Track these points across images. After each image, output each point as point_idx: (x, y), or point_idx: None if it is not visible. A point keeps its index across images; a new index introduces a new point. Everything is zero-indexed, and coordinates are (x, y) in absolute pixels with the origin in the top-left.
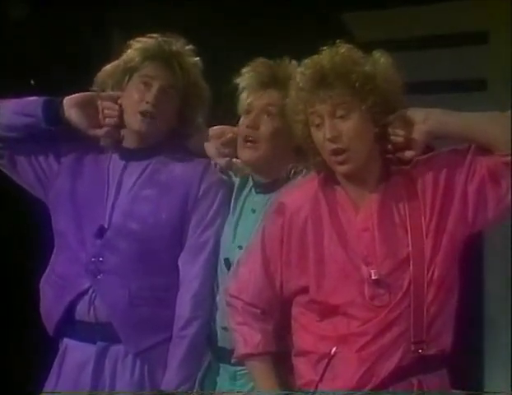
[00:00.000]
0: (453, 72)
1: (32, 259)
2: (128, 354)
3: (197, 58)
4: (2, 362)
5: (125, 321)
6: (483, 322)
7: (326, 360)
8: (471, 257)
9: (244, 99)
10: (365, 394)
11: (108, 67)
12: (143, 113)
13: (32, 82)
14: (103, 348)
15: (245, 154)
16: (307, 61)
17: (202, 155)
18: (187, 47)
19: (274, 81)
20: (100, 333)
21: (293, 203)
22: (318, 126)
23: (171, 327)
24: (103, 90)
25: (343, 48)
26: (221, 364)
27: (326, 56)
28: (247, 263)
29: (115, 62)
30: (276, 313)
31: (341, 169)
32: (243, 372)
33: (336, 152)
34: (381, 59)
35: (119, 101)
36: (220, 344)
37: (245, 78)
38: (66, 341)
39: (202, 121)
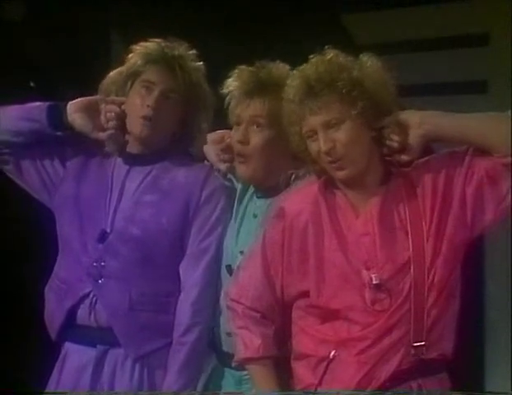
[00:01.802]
0: (453, 74)
1: (36, 263)
2: (127, 358)
3: (201, 63)
4: (3, 366)
5: (125, 326)
6: (484, 325)
7: (325, 364)
8: (471, 261)
9: (233, 109)
10: (367, 393)
11: (112, 74)
12: (144, 118)
13: (32, 84)
14: (102, 352)
15: (240, 170)
16: (295, 72)
17: (205, 160)
18: (190, 51)
19: (259, 89)
20: (101, 337)
21: (293, 208)
22: (312, 138)
23: (171, 332)
24: (108, 94)
25: (330, 54)
26: (226, 369)
27: (312, 66)
28: (247, 268)
29: (119, 69)
30: (277, 317)
31: (340, 174)
32: (248, 376)
33: (333, 161)
34: (368, 62)
35: (123, 107)
36: (224, 349)
37: (231, 88)
38: (67, 345)
39: (206, 126)
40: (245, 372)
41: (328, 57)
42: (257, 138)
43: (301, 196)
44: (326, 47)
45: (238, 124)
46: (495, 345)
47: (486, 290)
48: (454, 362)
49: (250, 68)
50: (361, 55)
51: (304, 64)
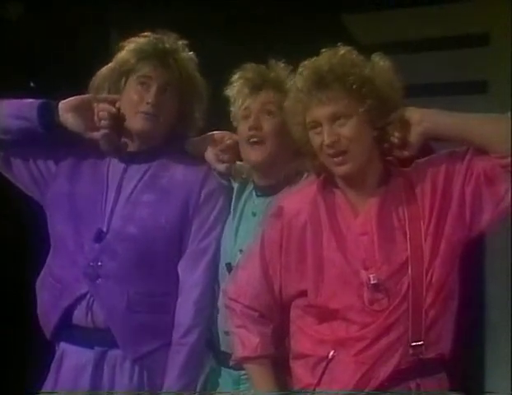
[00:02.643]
0: (453, 74)
1: (32, 261)
2: (126, 359)
3: (191, 53)
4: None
5: (123, 326)
6: (484, 325)
7: (324, 364)
8: (471, 261)
9: (239, 106)
10: (365, 394)
11: (103, 71)
12: (145, 113)
13: (32, 84)
14: (101, 353)
15: (253, 155)
16: (306, 62)
17: (201, 158)
18: (180, 42)
19: (266, 83)
20: (98, 338)
21: (292, 207)
22: (315, 129)
23: (170, 333)
24: (100, 93)
25: (343, 50)
26: (224, 369)
27: (324, 58)
28: (246, 267)
29: (110, 65)
30: (275, 316)
31: (340, 170)
32: (246, 376)
33: (335, 155)
34: (380, 62)
35: (117, 105)
36: (223, 349)
37: (236, 86)
38: (63, 345)
39: (199, 116)
40: (243, 371)
41: (342, 52)
42: (269, 124)
43: (300, 195)
44: (339, 43)
45: (246, 117)
46: (496, 345)
47: (487, 289)
48: (454, 362)
49: (254, 65)
50: (373, 55)
51: (316, 57)
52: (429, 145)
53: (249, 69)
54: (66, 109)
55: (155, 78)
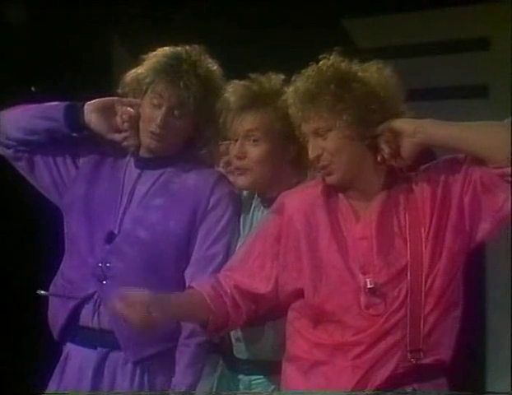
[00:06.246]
0: (454, 78)
1: (39, 262)
2: (127, 361)
3: (215, 66)
4: (6, 366)
5: (126, 328)
6: (485, 326)
7: (320, 367)
8: (472, 266)
9: (229, 124)
10: (361, 394)
11: (132, 73)
12: (152, 134)
13: (33, 89)
14: (103, 354)
15: (238, 182)
16: (294, 78)
17: (216, 166)
18: (203, 56)
19: (252, 102)
20: (102, 339)
21: (294, 205)
22: (307, 142)
23: (173, 337)
24: (126, 93)
25: (331, 60)
26: (235, 374)
27: (303, 77)
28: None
29: (137, 70)
30: (264, 311)
31: (328, 179)
32: (258, 381)
33: (320, 168)
34: (374, 67)
35: (139, 109)
36: (235, 354)
37: (226, 102)
38: (69, 345)
39: (220, 127)
40: (255, 376)
41: (325, 66)
42: (253, 153)
43: (303, 195)
44: (335, 48)
45: (235, 140)
46: (497, 351)
47: (488, 291)
48: (455, 365)
49: (243, 82)
50: (373, 62)
51: (303, 71)
52: (431, 151)
53: (239, 86)
54: (91, 110)
55: (166, 98)
